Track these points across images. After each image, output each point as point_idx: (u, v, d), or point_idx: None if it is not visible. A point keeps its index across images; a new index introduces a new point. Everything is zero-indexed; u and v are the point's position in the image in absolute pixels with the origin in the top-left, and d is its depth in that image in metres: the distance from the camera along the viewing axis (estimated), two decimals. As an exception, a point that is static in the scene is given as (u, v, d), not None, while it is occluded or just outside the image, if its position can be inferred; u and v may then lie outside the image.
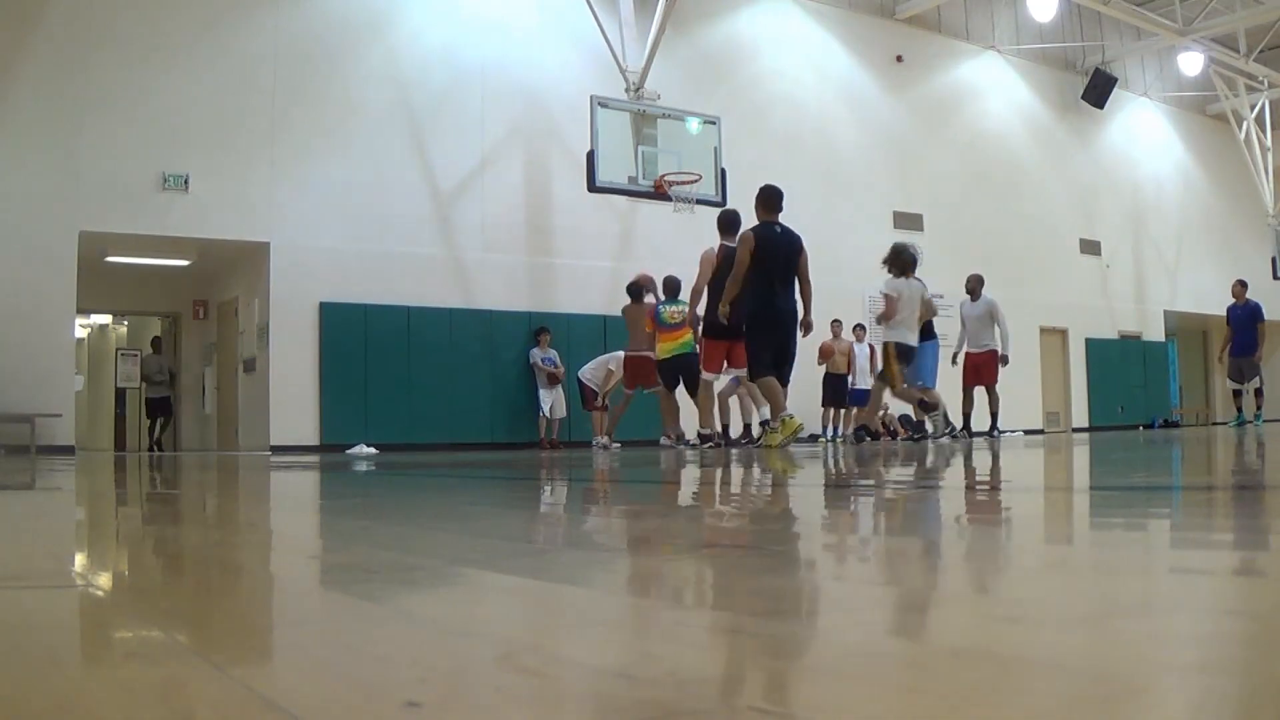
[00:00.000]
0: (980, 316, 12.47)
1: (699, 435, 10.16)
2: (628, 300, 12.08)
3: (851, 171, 17.41)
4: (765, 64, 16.79)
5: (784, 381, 8.72)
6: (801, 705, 0.66)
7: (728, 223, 9.92)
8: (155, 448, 14.78)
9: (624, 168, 12.74)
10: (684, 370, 10.84)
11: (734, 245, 9.46)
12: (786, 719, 0.63)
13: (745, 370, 9.53)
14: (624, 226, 15.08)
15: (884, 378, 10.71)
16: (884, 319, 10.34)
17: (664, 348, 11.03)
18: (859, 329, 15.46)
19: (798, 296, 8.78)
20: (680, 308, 11.09)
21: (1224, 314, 15.33)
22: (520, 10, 14.66)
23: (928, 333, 11.49)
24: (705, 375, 9.92)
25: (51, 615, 1.12)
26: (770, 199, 8.82)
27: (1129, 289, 21.75)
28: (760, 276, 8.50)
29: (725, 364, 9.87)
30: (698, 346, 10.37)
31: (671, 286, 11.27)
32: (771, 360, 8.57)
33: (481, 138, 14.20)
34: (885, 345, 10.48)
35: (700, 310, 10.21)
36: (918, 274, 10.69)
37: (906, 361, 10.37)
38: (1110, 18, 20.22)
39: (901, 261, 10.35)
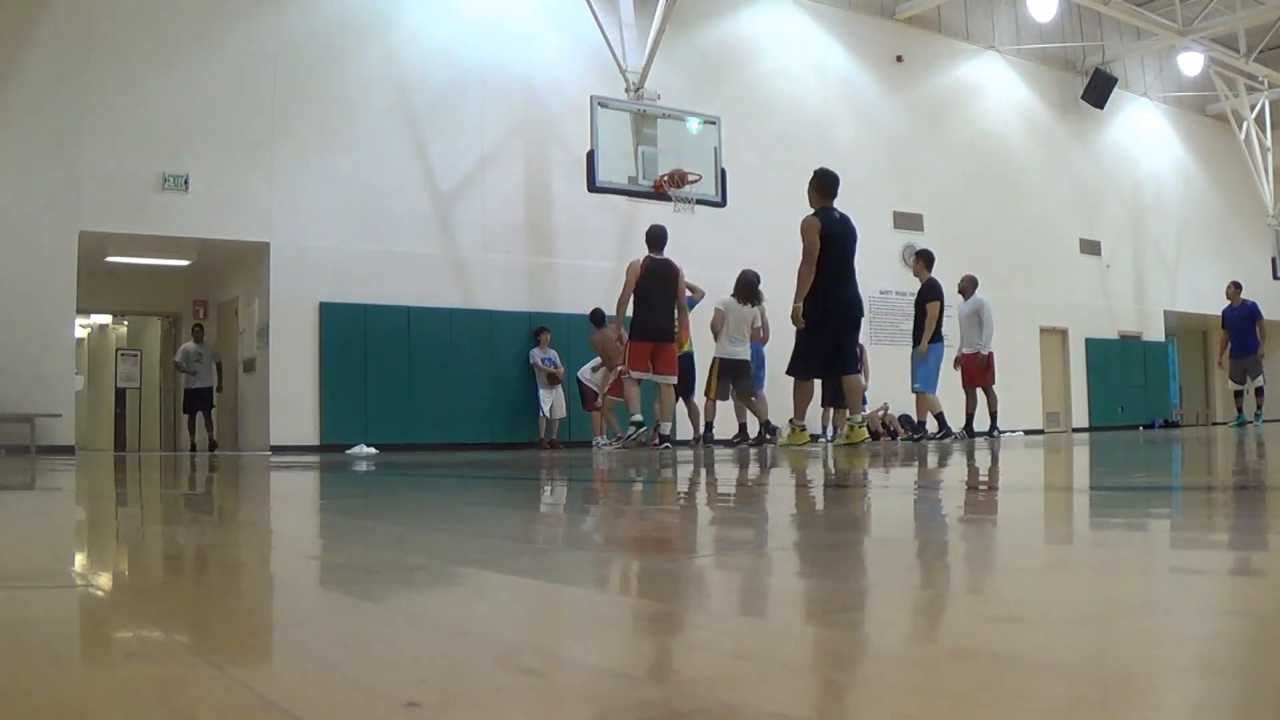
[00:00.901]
0: (968, 317, 12.46)
1: (632, 424, 10.41)
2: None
3: (851, 171, 17.26)
4: (765, 64, 16.80)
5: (846, 372, 8.39)
6: (802, 705, 0.66)
7: (655, 236, 10.30)
8: (196, 448, 13.87)
9: (624, 168, 12.74)
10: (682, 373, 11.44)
11: (660, 258, 10.17)
12: (786, 719, 0.63)
13: (669, 376, 10.21)
14: (624, 226, 15.07)
15: (706, 389, 11.77)
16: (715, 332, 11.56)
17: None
18: None
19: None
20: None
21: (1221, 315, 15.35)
22: (520, 10, 14.66)
23: (934, 336, 11.60)
24: (633, 374, 10.15)
25: (51, 615, 1.12)
26: (826, 183, 8.32)
27: (1129, 289, 21.75)
28: (819, 268, 8.02)
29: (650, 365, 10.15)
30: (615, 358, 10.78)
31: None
32: (820, 362, 8.15)
33: (481, 138, 14.20)
34: (712, 360, 11.60)
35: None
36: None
37: (732, 375, 11.41)
38: (1110, 18, 20.22)
39: (740, 287, 11.64)
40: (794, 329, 8.46)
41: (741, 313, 11.54)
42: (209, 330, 15.37)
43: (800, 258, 8.19)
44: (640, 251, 14.98)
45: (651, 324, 10.07)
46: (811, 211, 8.22)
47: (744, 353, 11.53)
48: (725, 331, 11.47)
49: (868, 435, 8.33)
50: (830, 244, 8.01)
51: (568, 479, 4.73)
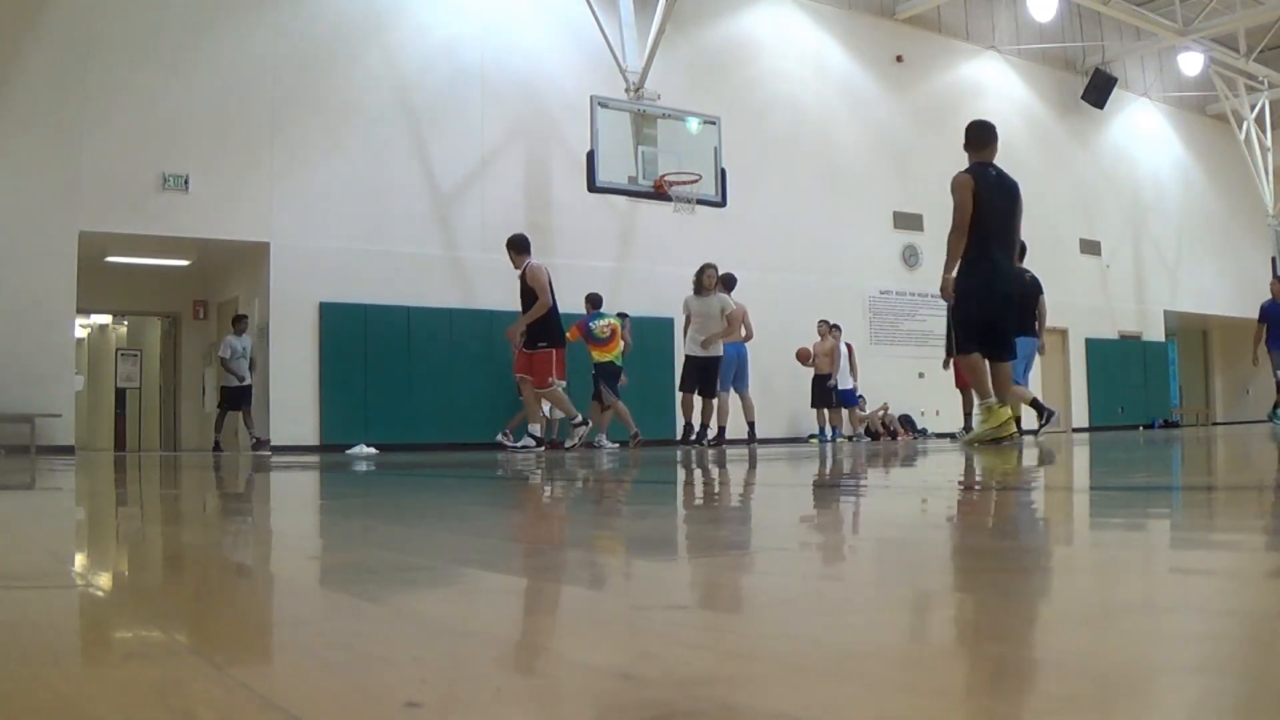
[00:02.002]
0: None
1: (530, 436, 10.45)
2: (619, 302, 12.50)
3: (851, 171, 17.41)
4: (765, 64, 16.80)
5: (1007, 358, 7.20)
6: (801, 705, 0.66)
7: (520, 244, 10.18)
8: (221, 446, 13.18)
9: (624, 168, 12.75)
10: (607, 378, 12.35)
11: (538, 263, 10.05)
12: (786, 719, 0.63)
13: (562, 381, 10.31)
14: (624, 226, 15.08)
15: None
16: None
17: (594, 356, 12.45)
18: (836, 329, 15.19)
19: None
20: (607, 321, 12.37)
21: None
22: (520, 10, 14.67)
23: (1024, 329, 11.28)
24: (559, 384, 10.28)
25: (51, 615, 1.12)
26: (983, 134, 7.18)
27: (1129, 289, 21.76)
28: (973, 233, 6.88)
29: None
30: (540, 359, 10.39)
31: (595, 300, 12.60)
32: (979, 336, 7.01)
33: (481, 138, 14.20)
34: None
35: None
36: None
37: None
38: (1110, 18, 20.23)
39: (699, 281, 11.61)
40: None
41: (706, 307, 11.66)
42: (211, 329, 15.34)
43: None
44: (640, 250, 15.08)
45: (562, 331, 10.33)
46: (965, 168, 7.08)
47: (709, 350, 11.63)
48: (693, 330, 11.63)
49: (1014, 428, 7.08)
50: (983, 205, 6.88)
51: (567, 479, 4.73)
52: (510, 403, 14.05)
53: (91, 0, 11.97)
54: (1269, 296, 14.37)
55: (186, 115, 12.30)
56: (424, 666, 0.80)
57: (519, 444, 10.69)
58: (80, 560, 1.73)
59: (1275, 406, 14.57)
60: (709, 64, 15.95)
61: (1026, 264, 11.60)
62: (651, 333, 14.55)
